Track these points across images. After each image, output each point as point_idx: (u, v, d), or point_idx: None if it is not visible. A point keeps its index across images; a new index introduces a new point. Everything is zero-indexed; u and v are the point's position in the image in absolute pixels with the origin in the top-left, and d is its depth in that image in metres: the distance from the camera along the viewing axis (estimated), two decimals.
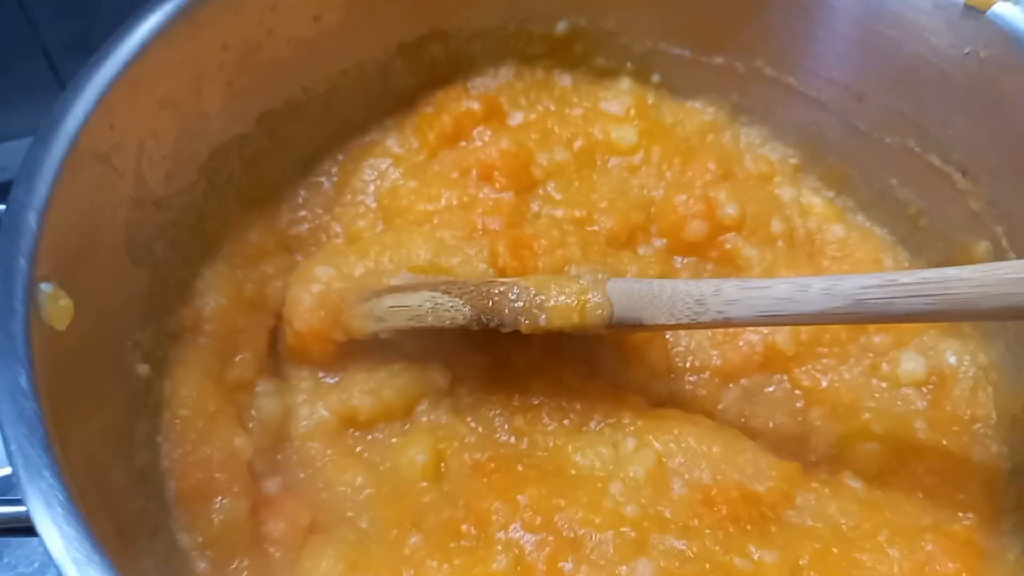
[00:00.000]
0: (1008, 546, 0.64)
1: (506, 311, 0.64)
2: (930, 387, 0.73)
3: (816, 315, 0.56)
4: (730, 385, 0.75)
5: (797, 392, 0.75)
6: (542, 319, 0.63)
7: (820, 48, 0.78)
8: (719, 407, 0.74)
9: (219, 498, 0.61)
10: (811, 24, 0.77)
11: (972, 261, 0.73)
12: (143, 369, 0.61)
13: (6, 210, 0.46)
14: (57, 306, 0.46)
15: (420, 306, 0.67)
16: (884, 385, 0.74)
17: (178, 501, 0.61)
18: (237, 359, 0.71)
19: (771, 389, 0.75)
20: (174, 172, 0.64)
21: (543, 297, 0.64)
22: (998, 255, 0.71)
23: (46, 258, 0.47)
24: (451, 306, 0.66)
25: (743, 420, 0.74)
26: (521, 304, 0.64)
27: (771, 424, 0.74)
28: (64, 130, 0.52)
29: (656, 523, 0.62)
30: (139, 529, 0.52)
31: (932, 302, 0.52)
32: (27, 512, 0.39)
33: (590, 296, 0.63)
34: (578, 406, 0.71)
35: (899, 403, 0.73)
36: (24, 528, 0.40)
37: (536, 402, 0.71)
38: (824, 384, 0.74)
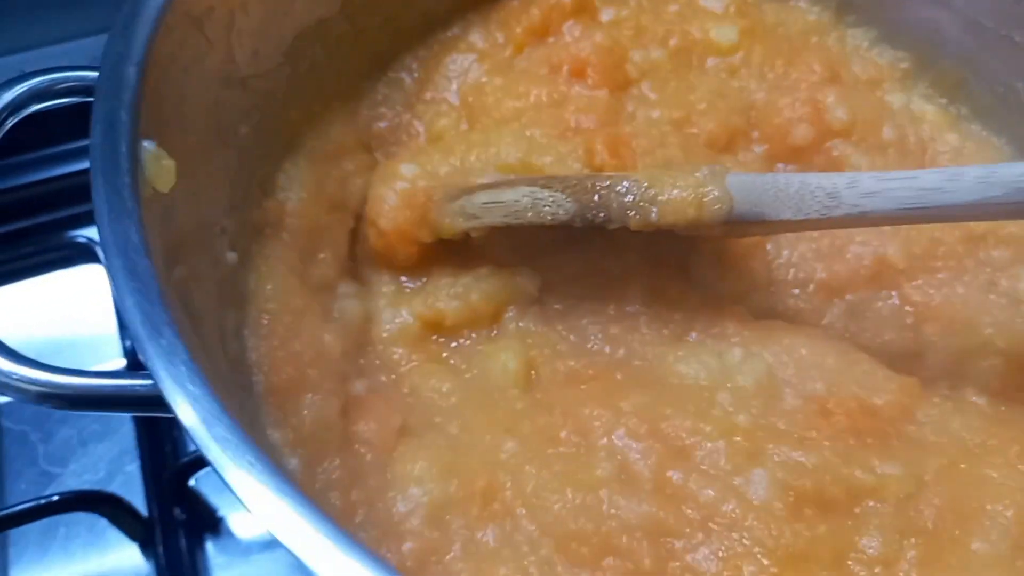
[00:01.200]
0: None
1: (614, 205, 0.60)
2: None
3: (969, 206, 0.51)
4: (835, 300, 0.70)
5: (908, 308, 0.70)
6: (654, 214, 0.59)
7: None
8: (823, 323, 0.70)
9: (309, 395, 0.58)
10: None
11: None
12: (231, 257, 0.58)
13: (102, 64, 0.42)
14: (160, 166, 0.42)
15: (517, 201, 0.63)
16: (1003, 302, 0.69)
17: (267, 396, 0.57)
18: (319, 258, 0.67)
19: (879, 305, 0.71)
20: (260, 51, 0.60)
21: (656, 190, 0.59)
22: None
23: (147, 115, 0.43)
24: (552, 200, 0.62)
25: (849, 337, 0.69)
26: (631, 198, 0.59)
27: (880, 341, 0.69)
28: None
29: (770, 434, 0.58)
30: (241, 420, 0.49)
31: None
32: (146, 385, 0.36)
33: (709, 188, 0.58)
34: (677, 316, 0.67)
35: (1020, 320, 0.68)
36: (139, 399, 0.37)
37: (632, 310, 0.67)
38: (937, 300, 0.70)
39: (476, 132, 0.73)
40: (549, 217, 0.62)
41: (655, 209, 0.59)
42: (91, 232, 0.90)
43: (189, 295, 0.46)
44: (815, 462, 0.57)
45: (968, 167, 0.52)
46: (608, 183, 0.61)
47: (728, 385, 0.61)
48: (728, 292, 0.69)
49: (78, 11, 0.91)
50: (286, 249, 0.65)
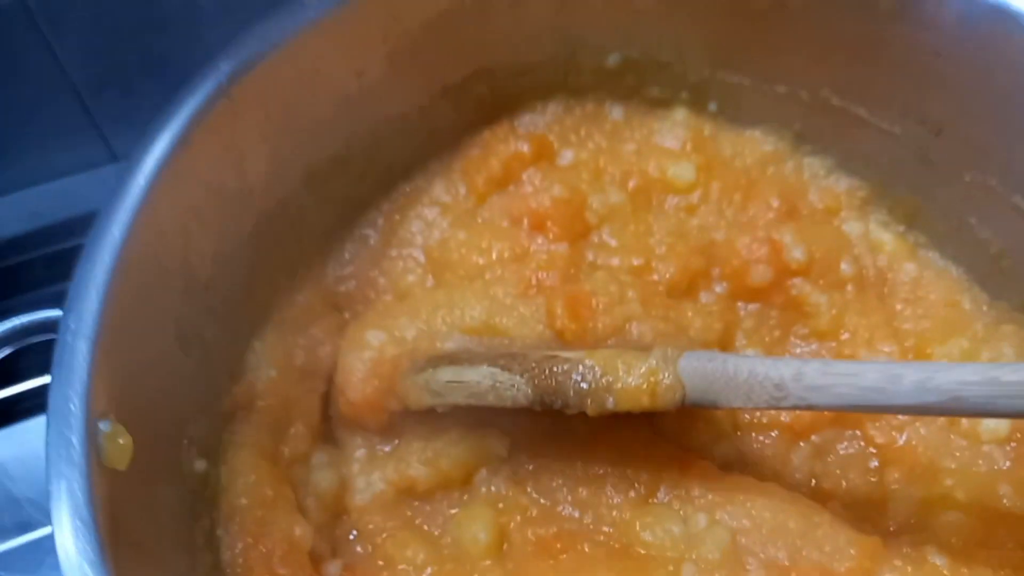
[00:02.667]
0: None
1: (571, 393, 0.61)
2: (1014, 444, 0.69)
3: (908, 408, 0.53)
4: (800, 443, 0.72)
5: (871, 450, 0.72)
6: (609, 402, 0.60)
7: (895, 79, 0.73)
8: (788, 467, 0.71)
9: None
10: (883, 55, 0.71)
11: None
12: (200, 465, 0.59)
13: (57, 344, 0.44)
14: (117, 445, 0.44)
15: (479, 383, 0.64)
16: (964, 443, 0.70)
17: None
18: (291, 432, 0.69)
19: (843, 446, 0.72)
20: (220, 251, 0.62)
21: (611, 378, 0.61)
22: None
23: (101, 392, 0.45)
24: (512, 384, 0.63)
25: (814, 482, 0.71)
26: (587, 386, 0.61)
27: (844, 484, 0.70)
28: (108, 240, 0.49)
29: None
30: None
31: None
32: None
33: (661, 377, 0.60)
34: (644, 475, 0.68)
35: (981, 462, 0.69)
36: None
37: (600, 471, 0.68)
38: (900, 441, 0.71)
39: (441, 290, 0.74)
40: (510, 401, 0.63)
41: (611, 398, 0.60)
42: None
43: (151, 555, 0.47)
44: None
45: (908, 367, 0.53)
46: (566, 368, 0.62)
47: (693, 556, 0.63)
48: (695, 443, 0.71)
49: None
50: (257, 432, 0.66)
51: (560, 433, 0.70)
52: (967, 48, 0.67)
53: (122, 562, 0.42)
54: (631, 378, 0.60)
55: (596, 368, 0.61)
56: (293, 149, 0.67)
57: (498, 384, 0.63)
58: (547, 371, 0.62)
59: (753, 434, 0.72)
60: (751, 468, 0.70)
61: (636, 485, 0.68)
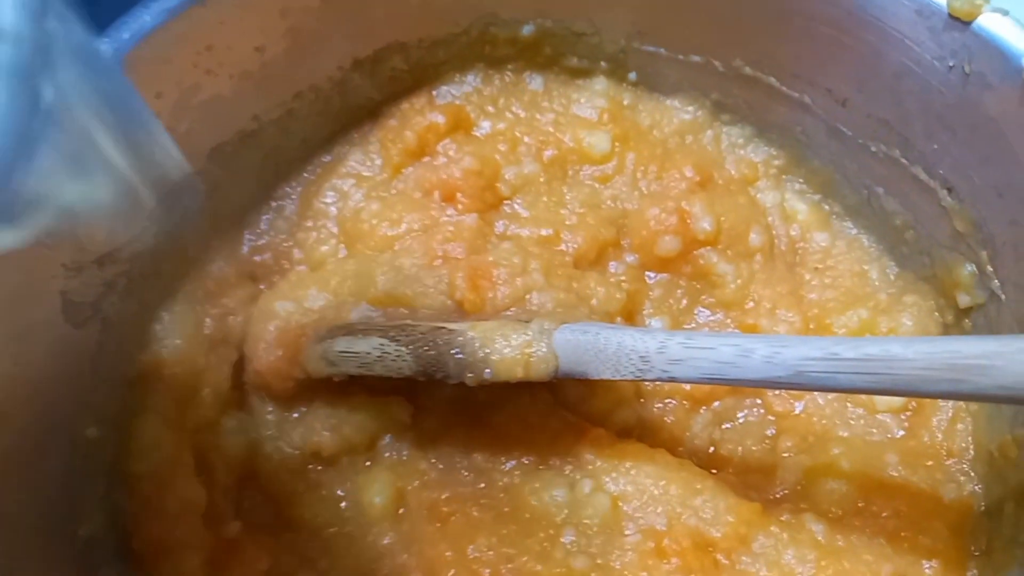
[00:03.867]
0: None
1: (451, 364, 0.63)
2: (908, 414, 0.70)
3: (757, 382, 0.54)
4: (701, 410, 0.74)
5: (770, 418, 0.73)
6: (487, 373, 0.62)
7: (800, 51, 0.73)
8: (688, 434, 0.73)
9: (177, 553, 0.63)
10: (788, 27, 0.71)
11: (957, 283, 0.69)
12: (92, 432, 0.61)
13: None
14: None
15: (368, 354, 0.66)
16: (860, 411, 0.71)
17: (136, 559, 0.62)
18: (198, 399, 0.71)
19: (743, 414, 0.74)
20: (115, 227, 0.63)
21: (488, 350, 0.62)
22: (982, 281, 0.67)
23: None
24: (397, 355, 0.65)
25: (712, 449, 0.72)
26: (464, 357, 0.62)
27: (740, 451, 0.72)
28: None
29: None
30: None
31: (875, 380, 0.49)
32: None
33: (535, 350, 0.61)
34: (539, 442, 0.70)
35: (874, 430, 0.71)
36: None
37: (498, 438, 0.70)
38: (798, 410, 0.72)
39: (351, 261, 0.76)
40: (395, 372, 0.65)
41: (488, 369, 0.62)
42: None
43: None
44: None
45: (759, 342, 0.54)
46: (447, 339, 0.64)
47: (575, 520, 0.65)
48: (595, 410, 0.72)
49: None
50: (162, 399, 0.69)
51: (463, 399, 0.72)
52: (864, 25, 0.67)
53: None
54: (507, 350, 0.62)
55: (476, 340, 0.62)
56: (194, 126, 0.68)
57: (386, 354, 0.65)
58: (430, 343, 0.64)
59: (656, 401, 0.74)
60: (650, 435, 0.72)
61: (530, 451, 0.70)
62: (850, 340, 0.52)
